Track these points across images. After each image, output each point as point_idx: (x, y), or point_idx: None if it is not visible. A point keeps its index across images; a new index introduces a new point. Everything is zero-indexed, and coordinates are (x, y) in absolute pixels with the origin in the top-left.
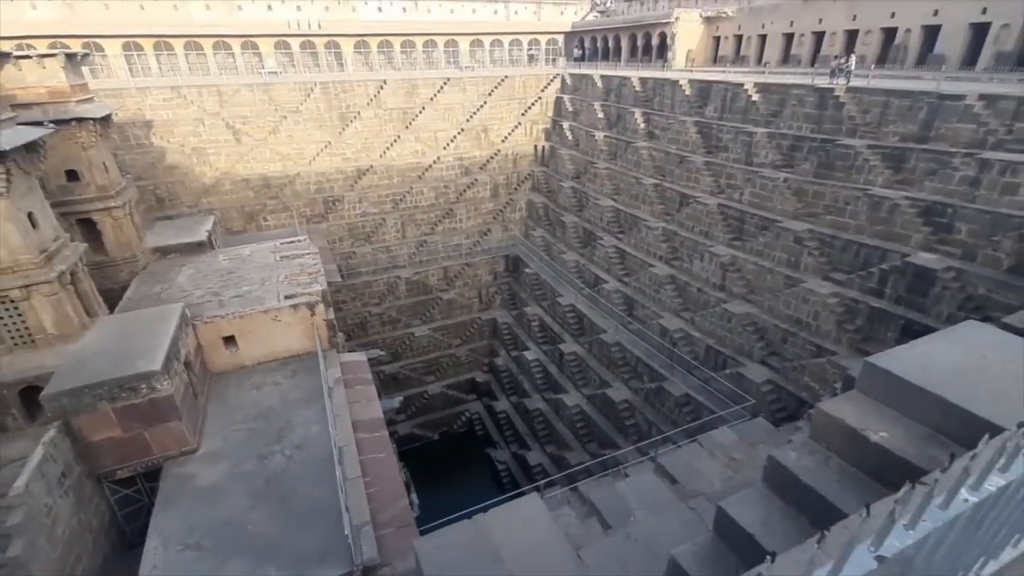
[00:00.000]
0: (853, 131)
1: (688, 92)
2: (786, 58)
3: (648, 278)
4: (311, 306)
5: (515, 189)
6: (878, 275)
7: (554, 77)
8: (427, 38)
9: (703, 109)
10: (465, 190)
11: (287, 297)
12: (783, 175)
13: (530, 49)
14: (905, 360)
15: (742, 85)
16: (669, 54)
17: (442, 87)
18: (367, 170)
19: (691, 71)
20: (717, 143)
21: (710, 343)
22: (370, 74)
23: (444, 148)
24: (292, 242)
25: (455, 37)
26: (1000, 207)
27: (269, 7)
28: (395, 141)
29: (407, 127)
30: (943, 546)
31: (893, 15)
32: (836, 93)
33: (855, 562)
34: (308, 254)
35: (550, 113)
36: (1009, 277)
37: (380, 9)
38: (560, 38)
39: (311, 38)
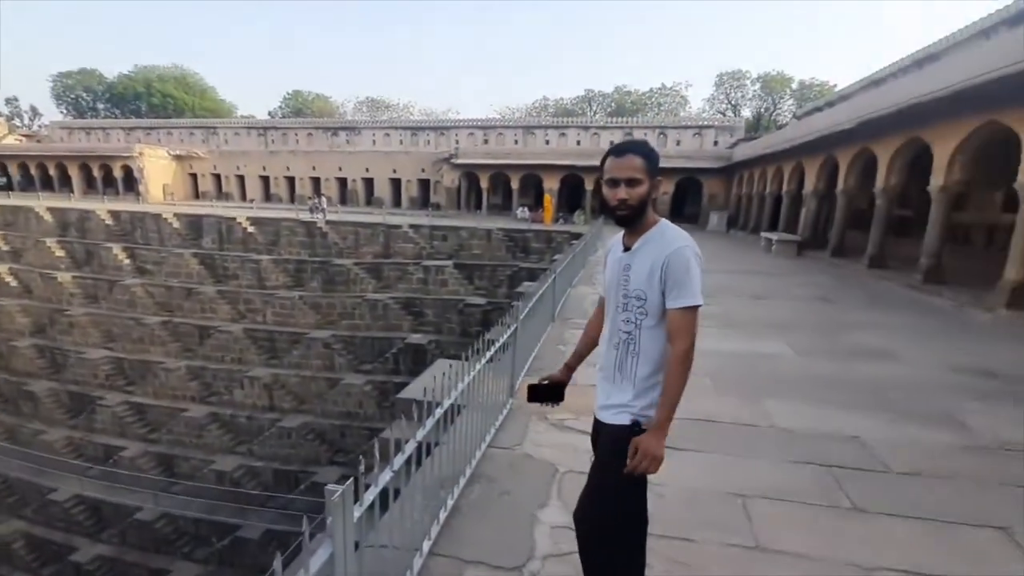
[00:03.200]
0: (341, 253)
1: (177, 225)
2: (268, 196)
3: (184, 424)
4: None
5: None
6: (392, 358)
7: None
8: None
9: (200, 241)
10: None
11: None
12: (297, 293)
13: None
14: (411, 390)
15: (235, 219)
16: (141, 187)
17: None
18: None
19: (173, 204)
20: (225, 272)
21: (276, 466)
22: None
23: None
24: None
25: None
26: (443, 295)
27: None
28: None
29: None
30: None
31: (341, 169)
32: (319, 226)
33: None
34: None
35: None
36: (461, 338)
37: None
38: None
39: None
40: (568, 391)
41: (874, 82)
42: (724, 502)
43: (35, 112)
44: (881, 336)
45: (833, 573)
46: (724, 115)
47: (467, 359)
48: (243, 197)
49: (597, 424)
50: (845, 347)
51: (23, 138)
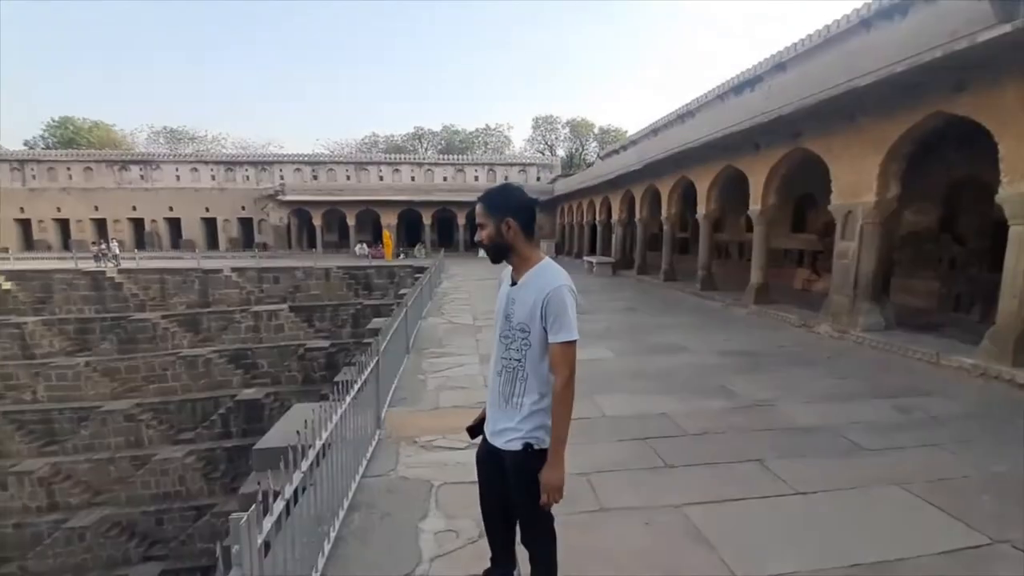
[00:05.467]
0: (142, 306)
1: None
2: (30, 243)
3: None
4: None
5: None
6: (220, 420)
7: None
8: None
9: None
10: None
11: None
12: (82, 359)
13: None
14: (270, 439)
15: None
16: None
17: None
18: None
19: None
20: None
21: None
22: None
23: None
24: None
25: None
26: (280, 342)
27: None
28: None
29: None
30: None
31: (135, 208)
32: (109, 275)
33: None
34: None
35: None
36: (304, 387)
37: None
38: None
39: None
40: (431, 414)
41: (653, 131)
42: (573, 482)
43: None
44: (675, 334)
45: (656, 515)
46: (543, 154)
47: (333, 399)
48: None
49: (489, 447)
50: (651, 346)
51: None
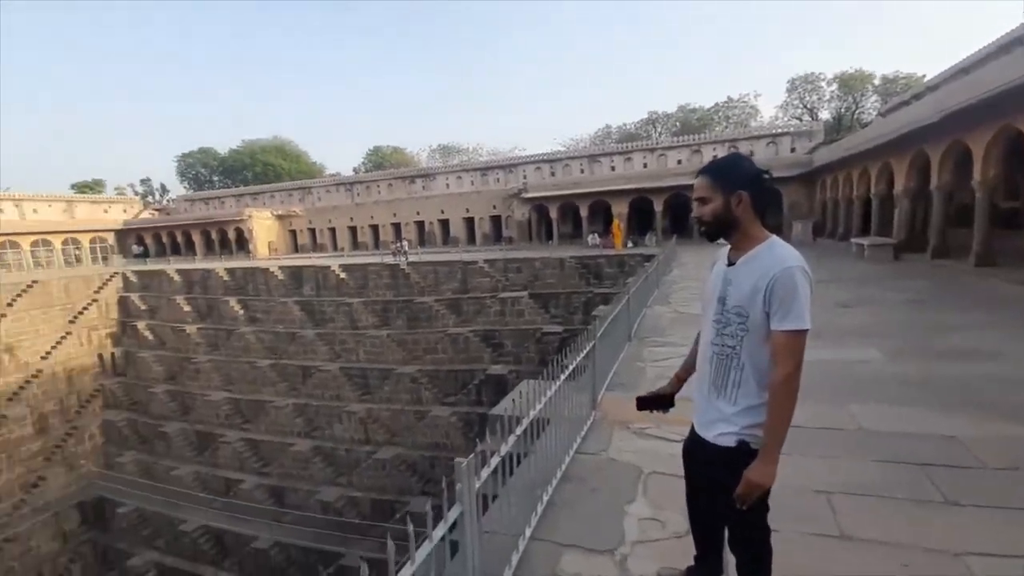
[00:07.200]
0: (423, 291)
1: (281, 277)
2: (356, 244)
3: (291, 458)
4: None
5: (77, 414)
6: (474, 390)
7: (111, 276)
8: None
9: (300, 289)
10: None
11: None
12: (385, 332)
13: (75, 248)
14: (501, 407)
15: (329, 267)
16: (251, 246)
17: None
18: None
19: (278, 259)
20: (323, 316)
21: (373, 496)
22: None
23: None
24: None
25: None
26: (520, 326)
27: None
28: None
29: None
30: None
31: (419, 213)
32: (402, 267)
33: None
34: None
35: (115, 315)
36: (539, 367)
37: None
38: (110, 236)
39: None
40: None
41: (963, 69)
42: (808, 498)
43: (164, 189)
44: (982, 335)
45: (920, 558)
46: (800, 120)
47: (548, 377)
48: (335, 247)
49: (697, 438)
50: (940, 349)
51: (155, 212)
